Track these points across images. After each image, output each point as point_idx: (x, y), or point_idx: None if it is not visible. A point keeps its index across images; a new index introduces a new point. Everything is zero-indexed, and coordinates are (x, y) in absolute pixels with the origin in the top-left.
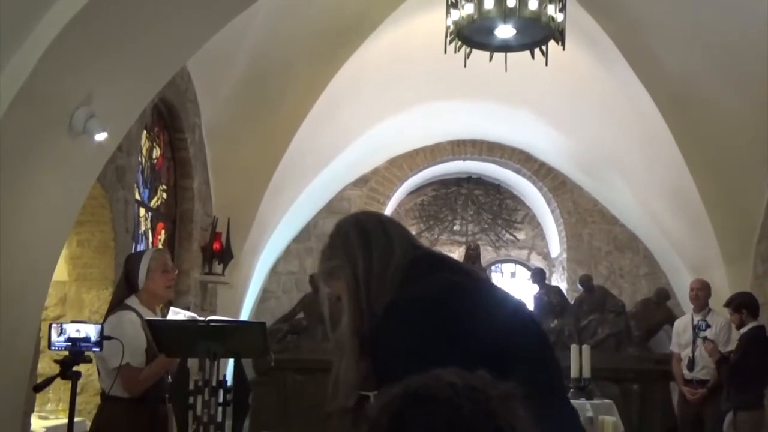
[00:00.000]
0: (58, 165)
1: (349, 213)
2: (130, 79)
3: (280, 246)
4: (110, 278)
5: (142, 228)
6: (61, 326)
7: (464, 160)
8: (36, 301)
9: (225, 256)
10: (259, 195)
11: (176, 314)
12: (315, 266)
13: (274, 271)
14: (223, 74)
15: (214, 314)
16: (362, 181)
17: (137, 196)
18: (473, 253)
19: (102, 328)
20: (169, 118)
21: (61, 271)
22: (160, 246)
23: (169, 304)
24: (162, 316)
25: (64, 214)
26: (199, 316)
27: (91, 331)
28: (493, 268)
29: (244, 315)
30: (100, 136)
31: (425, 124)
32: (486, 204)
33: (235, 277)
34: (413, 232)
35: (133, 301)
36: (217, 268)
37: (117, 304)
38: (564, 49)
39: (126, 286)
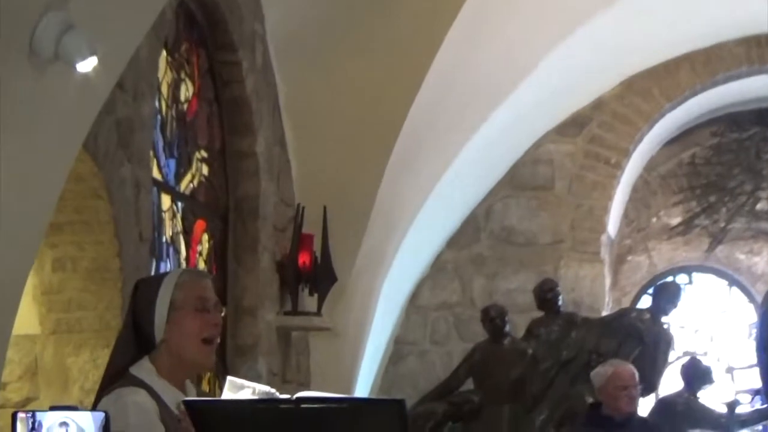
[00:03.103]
0: (14, 119)
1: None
2: None
3: (423, 256)
4: (114, 326)
5: (168, 231)
6: (33, 417)
7: None
8: None
9: (321, 278)
10: (379, 164)
11: (238, 390)
12: (491, 291)
13: (413, 303)
14: None
15: (306, 388)
16: (573, 127)
17: (156, 173)
18: None
19: (106, 418)
20: (207, 26)
21: (26, 319)
22: (202, 264)
23: (224, 371)
24: (199, 394)
25: (29, 213)
26: (280, 391)
27: (85, 423)
28: None
29: (363, 388)
30: (85, 65)
31: (684, 10)
32: None
33: (340, 318)
34: (677, 219)
35: (143, 368)
36: (308, 301)
37: (116, 375)
38: None
39: (132, 340)
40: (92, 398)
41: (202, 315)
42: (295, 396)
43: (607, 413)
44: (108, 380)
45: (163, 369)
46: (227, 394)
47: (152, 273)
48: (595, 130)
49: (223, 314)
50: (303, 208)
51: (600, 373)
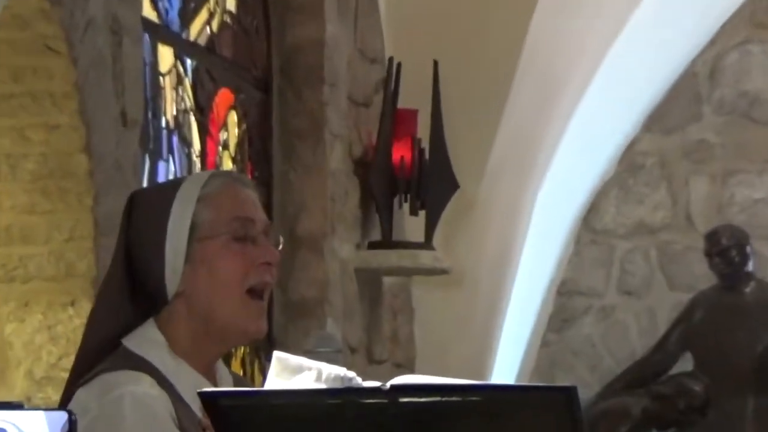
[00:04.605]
0: None
1: None
2: None
3: (604, 146)
4: (83, 272)
5: (170, 108)
6: None
7: None
8: None
9: (431, 185)
10: None
11: (292, 374)
12: (721, 203)
13: (589, 226)
14: None
15: (408, 371)
16: None
17: (148, 10)
18: None
19: (71, 422)
20: None
21: None
22: (228, 163)
23: (269, 345)
24: (237, 383)
25: None
26: (363, 376)
27: (35, 429)
28: None
29: (505, 369)
30: None
31: None
32: None
33: (465, 252)
34: None
35: (147, 340)
36: (411, 225)
37: (100, 352)
38: None
39: (127, 293)
40: (47, 391)
41: (245, 248)
42: (388, 384)
43: None
44: (86, 360)
45: (180, 341)
46: (274, 381)
47: (144, 178)
48: None
49: (280, 246)
50: (399, 65)
51: None
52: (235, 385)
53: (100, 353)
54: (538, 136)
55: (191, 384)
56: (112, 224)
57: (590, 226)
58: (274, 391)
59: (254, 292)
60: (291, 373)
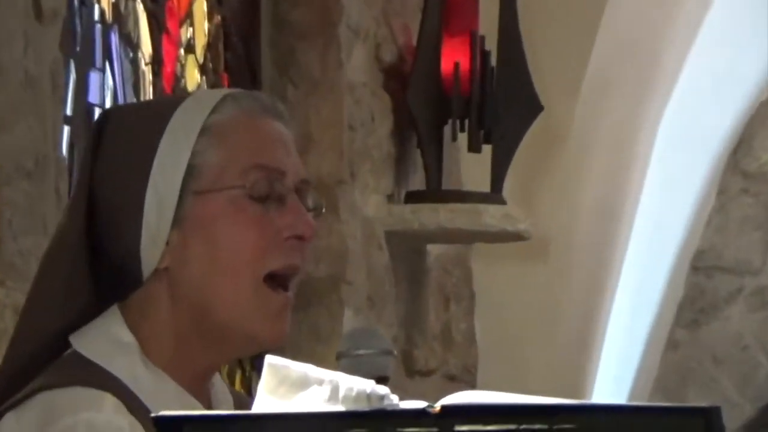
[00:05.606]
0: None
1: None
2: None
3: (765, 46)
4: None
5: None
6: None
7: None
8: None
9: (500, 106)
10: None
11: (293, 388)
12: None
13: (737, 166)
14: None
15: (468, 386)
16: None
17: None
18: None
19: None
20: None
21: None
22: (194, 77)
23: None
24: (238, 405)
25: None
26: (401, 393)
27: None
28: None
29: (613, 383)
30: None
31: None
32: None
33: (553, 209)
34: None
35: (110, 340)
36: (468, 165)
37: (37, 358)
38: None
39: (86, 266)
40: None
41: (266, 212)
42: (438, 405)
43: None
44: (17, 370)
45: (159, 343)
46: (267, 400)
47: (68, 97)
48: None
49: (323, 211)
50: None
51: None
52: (234, 406)
53: (38, 358)
54: (660, 37)
55: (174, 406)
56: (19, 169)
57: (740, 168)
58: (268, 416)
59: (276, 280)
60: (291, 388)
